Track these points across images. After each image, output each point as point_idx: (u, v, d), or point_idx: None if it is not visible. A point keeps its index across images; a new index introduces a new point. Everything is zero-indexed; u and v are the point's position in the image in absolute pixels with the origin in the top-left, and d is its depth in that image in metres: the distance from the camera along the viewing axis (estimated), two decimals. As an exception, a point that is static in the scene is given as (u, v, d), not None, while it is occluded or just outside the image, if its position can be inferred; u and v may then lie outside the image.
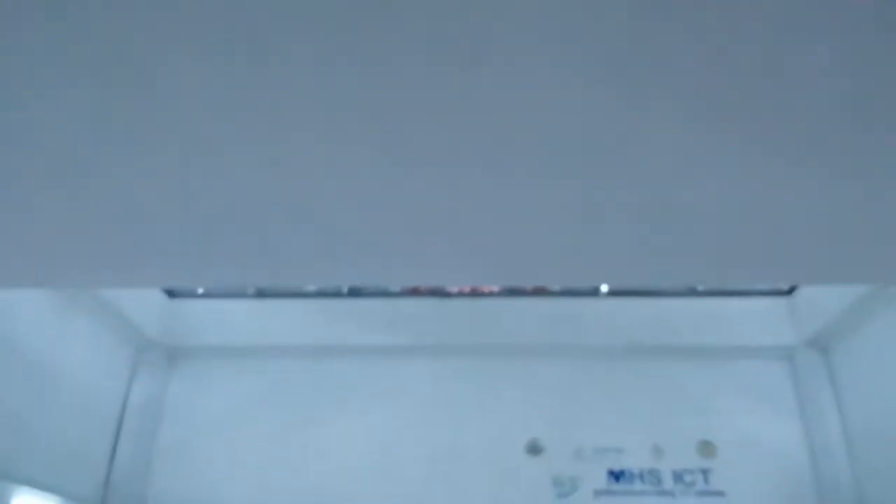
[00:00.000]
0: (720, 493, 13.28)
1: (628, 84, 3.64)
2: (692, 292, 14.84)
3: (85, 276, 7.21)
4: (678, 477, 13.48)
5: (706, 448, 13.64)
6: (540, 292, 14.94)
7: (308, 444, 13.80)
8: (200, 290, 15.08)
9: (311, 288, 14.98)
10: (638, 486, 13.50)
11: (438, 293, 14.85)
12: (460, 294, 15.02)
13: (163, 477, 13.55)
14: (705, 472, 13.48)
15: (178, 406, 14.22)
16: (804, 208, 4.81)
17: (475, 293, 15.05)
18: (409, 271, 6.35)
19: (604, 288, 14.73)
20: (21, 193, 4.87)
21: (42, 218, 5.24)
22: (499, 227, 5.19)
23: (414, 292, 14.90)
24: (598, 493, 13.42)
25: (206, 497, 13.31)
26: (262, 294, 15.05)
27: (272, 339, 14.53)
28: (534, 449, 13.81)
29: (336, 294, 15.13)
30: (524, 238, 5.39)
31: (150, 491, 13.42)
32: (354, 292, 15.03)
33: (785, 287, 14.45)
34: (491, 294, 15.05)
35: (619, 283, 13.39)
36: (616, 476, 13.60)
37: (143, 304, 13.80)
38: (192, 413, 14.17)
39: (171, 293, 14.77)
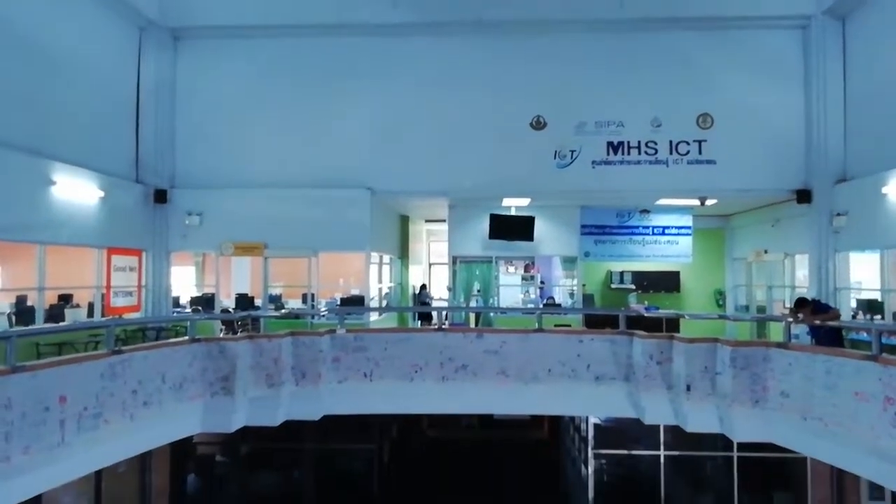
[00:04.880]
0: (712, 162, 14.16)
1: None
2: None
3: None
4: (674, 147, 14.23)
5: (704, 119, 14.14)
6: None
7: (319, 119, 14.36)
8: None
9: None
10: (634, 156, 14.34)
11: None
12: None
13: (185, 155, 14.43)
14: (700, 143, 14.19)
15: (190, 87, 14.44)
16: None
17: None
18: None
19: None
20: None
21: None
22: None
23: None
24: (596, 164, 14.33)
25: (226, 172, 14.35)
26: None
27: (279, 17, 14.11)
28: (538, 124, 14.37)
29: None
30: None
31: (178, 168, 14.44)
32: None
33: (817, -51, 13.38)
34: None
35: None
36: (615, 148, 14.36)
37: (133, -19, 13.14)
38: (205, 94, 14.46)
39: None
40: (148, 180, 14.03)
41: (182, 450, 12.35)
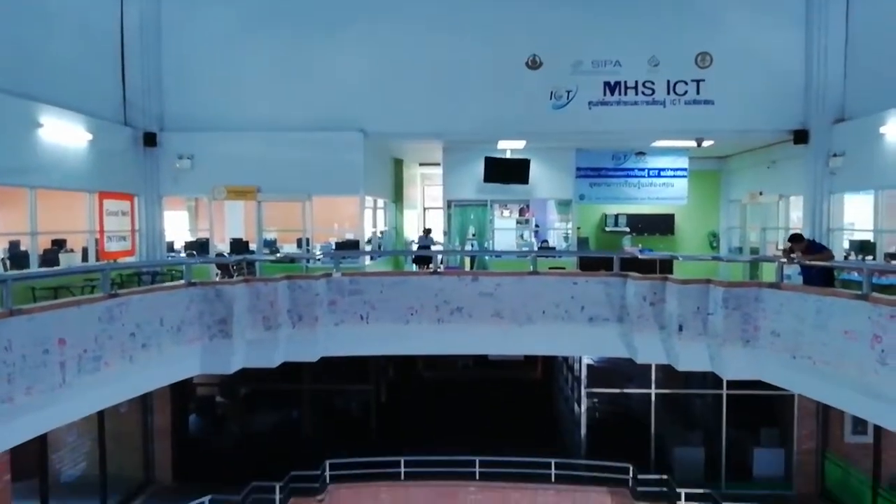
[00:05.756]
0: (709, 102, 13.97)
1: None
2: None
3: None
4: (671, 87, 14.01)
5: (703, 59, 13.87)
6: None
7: (312, 60, 14.02)
8: None
9: None
10: (631, 97, 14.13)
11: None
12: None
13: (175, 96, 14.11)
14: (699, 83, 13.97)
15: (177, 25, 13.97)
16: None
17: None
18: None
19: None
20: None
21: None
22: None
23: None
24: (593, 104, 14.12)
25: (217, 114, 14.07)
26: None
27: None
28: (533, 63, 14.08)
29: None
30: None
31: (167, 111, 14.15)
32: None
33: None
34: None
35: None
36: (611, 88, 14.13)
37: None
38: (192, 32, 14.02)
39: None
40: (136, 123, 13.76)
41: (182, 391, 12.56)
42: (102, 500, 10.81)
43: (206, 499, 10.56)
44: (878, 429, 10.39)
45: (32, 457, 9.02)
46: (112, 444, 11.10)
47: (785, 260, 9.19)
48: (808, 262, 9.17)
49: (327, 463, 11.89)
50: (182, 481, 12.16)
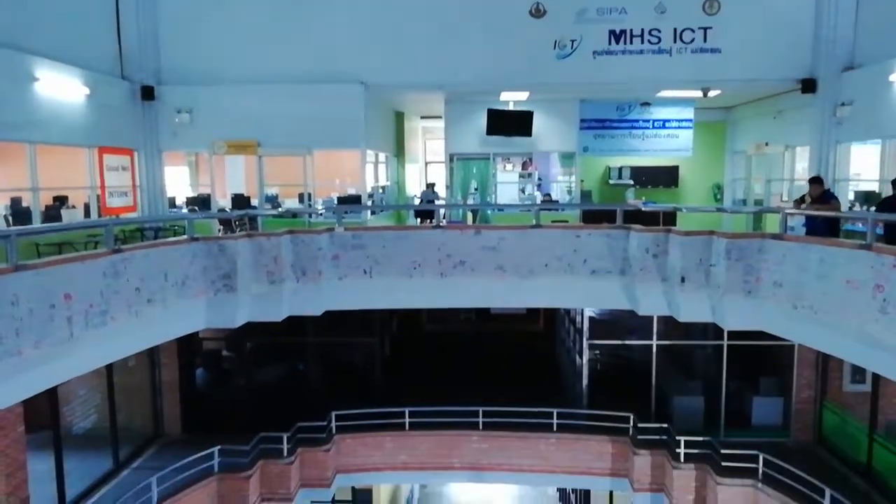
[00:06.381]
0: (716, 51, 13.67)
1: None
2: None
3: None
4: (678, 35, 13.70)
5: (711, 5, 13.52)
6: None
7: (311, 11, 13.69)
8: None
9: None
10: (637, 45, 13.83)
11: None
12: None
13: (172, 49, 13.85)
14: (706, 30, 13.64)
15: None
16: None
17: None
18: None
19: None
20: None
21: None
22: None
23: None
24: (598, 54, 13.83)
25: (215, 68, 13.83)
26: None
27: None
28: (537, 11, 13.74)
29: None
30: None
31: (164, 64, 13.90)
32: None
33: None
34: None
35: None
36: (616, 37, 13.82)
37: None
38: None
39: None
40: (134, 76, 13.56)
41: (189, 346, 12.71)
42: (115, 451, 11.06)
43: (216, 449, 10.79)
44: (876, 377, 10.50)
45: (44, 410, 9.19)
46: (121, 398, 11.29)
47: (791, 210, 9.16)
48: (812, 213, 9.14)
49: (333, 414, 12.11)
50: (191, 433, 12.41)
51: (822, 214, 9.02)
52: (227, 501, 10.81)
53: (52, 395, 9.26)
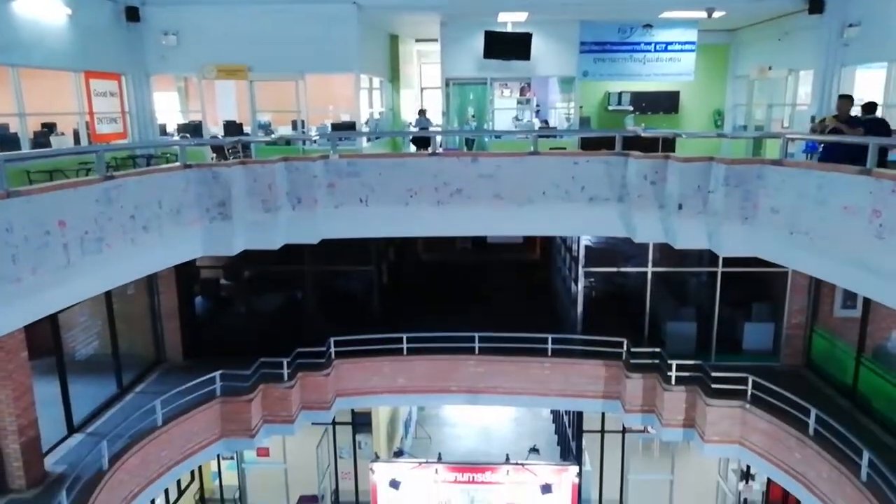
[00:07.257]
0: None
1: None
2: None
3: None
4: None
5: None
6: None
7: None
8: None
9: None
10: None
11: None
12: None
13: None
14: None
15: None
16: None
17: None
18: None
19: None
20: None
21: None
22: None
23: None
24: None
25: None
26: None
27: None
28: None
29: None
30: None
31: None
32: None
33: None
34: None
35: None
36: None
37: None
38: None
39: None
40: (117, -4, 13.05)
41: (187, 274, 12.76)
42: (118, 376, 11.28)
43: (217, 374, 11.00)
44: (866, 302, 10.65)
45: (46, 335, 9.30)
46: (122, 325, 11.42)
47: (793, 135, 8.99)
48: (815, 138, 8.99)
49: (332, 340, 12.29)
50: (192, 359, 12.63)
51: (826, 139, 8.85)
52: (230, 423, 11.11)
53: (53, 321, 9.36)
